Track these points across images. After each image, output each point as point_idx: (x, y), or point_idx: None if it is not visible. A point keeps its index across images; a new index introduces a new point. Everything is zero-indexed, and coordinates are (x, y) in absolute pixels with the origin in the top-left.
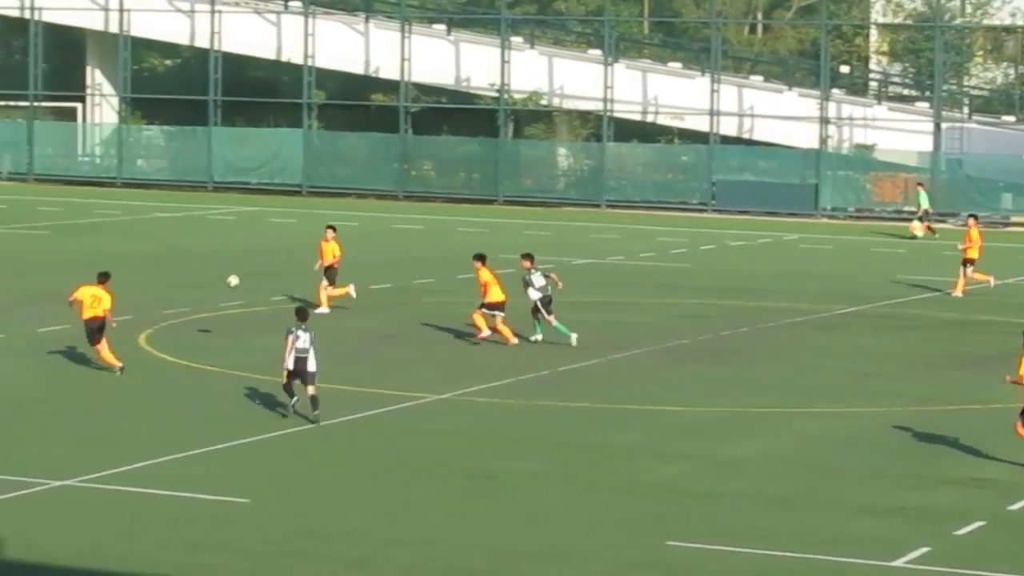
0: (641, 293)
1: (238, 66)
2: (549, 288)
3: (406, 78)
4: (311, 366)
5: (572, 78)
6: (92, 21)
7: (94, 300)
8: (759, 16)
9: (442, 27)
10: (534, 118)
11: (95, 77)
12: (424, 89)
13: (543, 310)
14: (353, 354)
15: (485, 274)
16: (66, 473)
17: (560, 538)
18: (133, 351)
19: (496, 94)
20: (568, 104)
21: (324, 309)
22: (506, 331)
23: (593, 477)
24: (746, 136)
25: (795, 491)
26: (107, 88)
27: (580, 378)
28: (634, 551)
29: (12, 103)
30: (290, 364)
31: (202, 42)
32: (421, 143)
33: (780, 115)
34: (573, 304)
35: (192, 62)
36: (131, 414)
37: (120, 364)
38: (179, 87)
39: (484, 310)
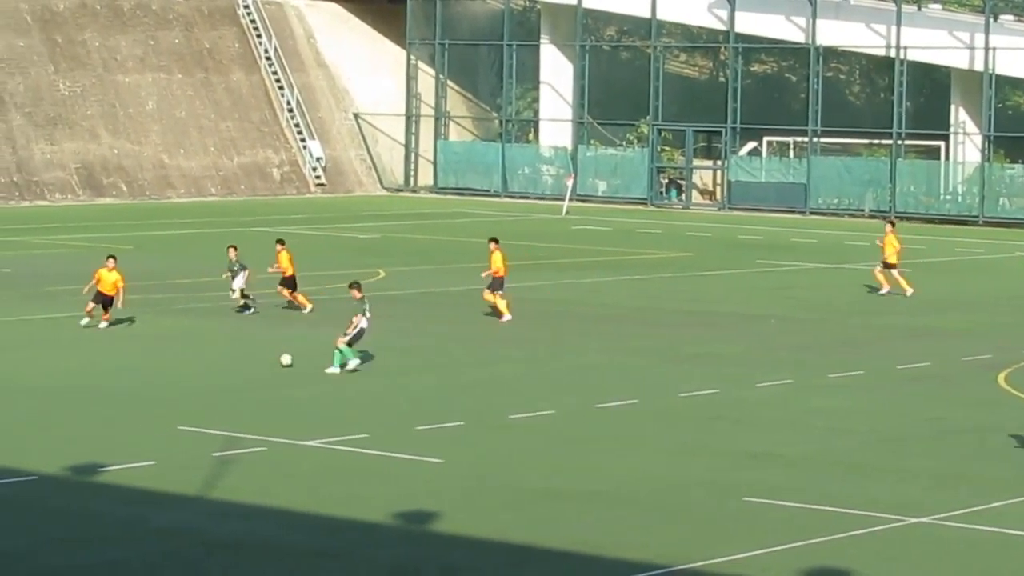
0: None
1: None
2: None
3: None
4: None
5: None
6: (957, 60)
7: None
8: None
9: None
10: None
11: (959, 115)
12: None
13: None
14: None
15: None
16: (921, 510)
17: None
18: (992, 390)
19: None
20: None
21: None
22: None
23: None
24: None
25: None
26: (970, 126)
27: None
28: None
29: (876, 141)
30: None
31: None
32: None
33: None
34: None
35: None
36: (985, 452)
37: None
38: None
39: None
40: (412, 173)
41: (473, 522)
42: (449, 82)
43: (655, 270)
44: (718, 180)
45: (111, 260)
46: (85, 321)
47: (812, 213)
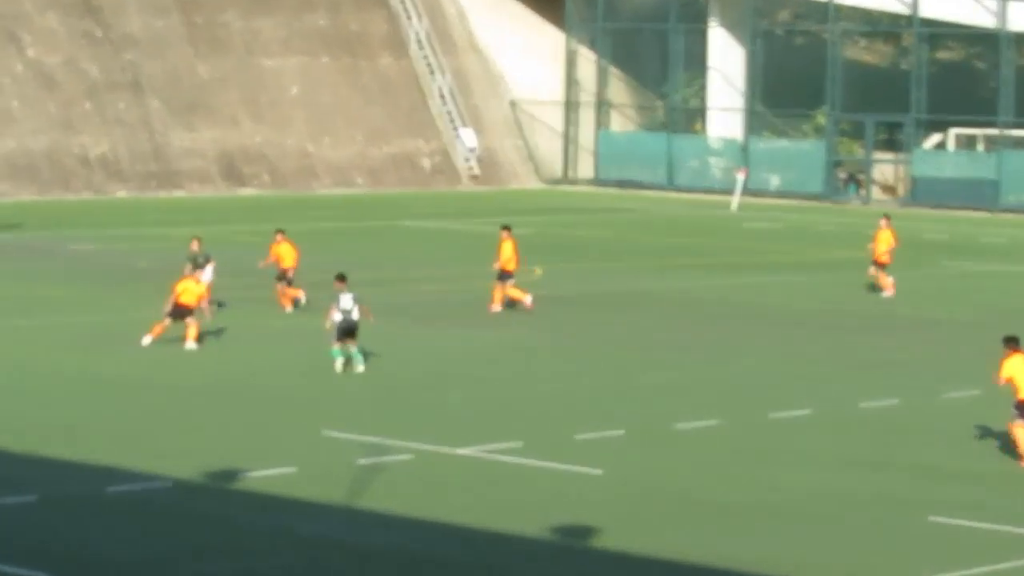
0: None
1: None
2: (354, 314)
3: None
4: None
5: None
6: None
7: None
8: None
9: None
10: None
11: None
12: None
13: (339, 333)
14: None
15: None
16: None
17: None
18: None
19: None
20: None
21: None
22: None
23: None
24: None
25: None
26: None
27: None
28: None
29: None
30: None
31: None
32: None
33: None
34: None
35: None
36: None
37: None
38: None
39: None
40: (571, 165)
41: (634, 538)
42: (611, 68)
43: (831, 271)
44: (900, 175)
45: (199, 271)
46: (148, 341)
47: (1003, 211)
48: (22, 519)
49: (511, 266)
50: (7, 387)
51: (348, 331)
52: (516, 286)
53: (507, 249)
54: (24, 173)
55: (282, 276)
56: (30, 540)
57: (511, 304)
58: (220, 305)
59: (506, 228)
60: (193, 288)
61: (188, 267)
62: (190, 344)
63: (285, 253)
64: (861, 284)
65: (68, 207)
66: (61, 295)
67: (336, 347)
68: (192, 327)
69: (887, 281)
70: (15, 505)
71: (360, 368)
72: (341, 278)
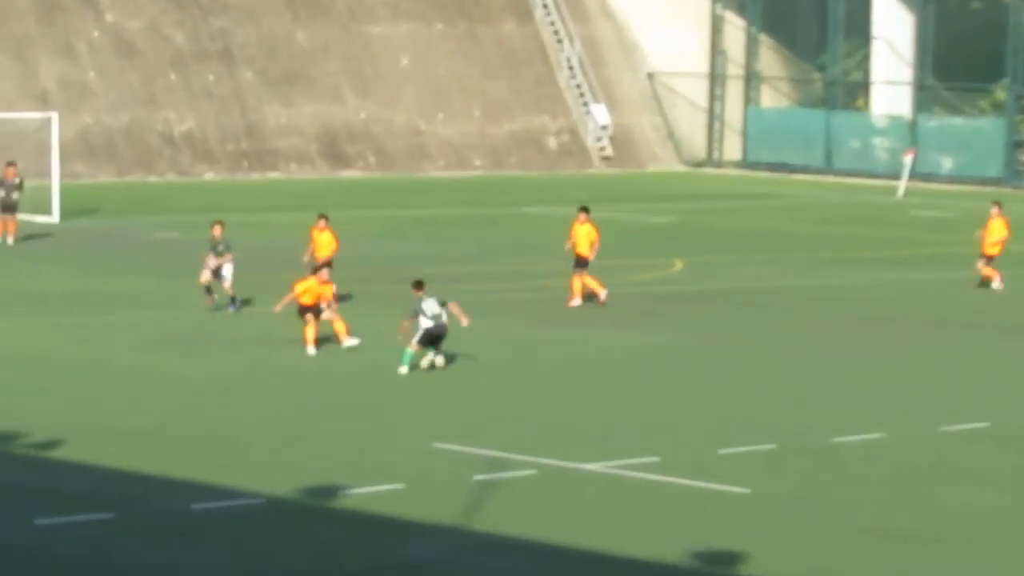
0: None
1: None
2: (444, 317)
3: None
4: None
5: None
6: None
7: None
8: None
9: None
10: None
11: None
12: None
13: (426, 339)
14: None
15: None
16: None
17: None
18: None
19: None
20: None
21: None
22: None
23: None
24: None
25: None
26: None
27: None
28: None
29: None
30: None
31: None
32: None
33: None
34: None
35: None
36: None
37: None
38: None
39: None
40: (716, 145)
41: (785, 564)
42: (762, 36)
43: (1011, 266)
44: None
45: (325, 271)
46: (313, 351)
47: None
48: (98, 539)
49: (587, 252)
50: (83, 392)
51: (439, 337)
52: (593, 276)
53: (581, 234)
54: (102, 152)
55: (318, 269)
56: (107, 562)
57: (590, 296)
58: (232, 303)
59: (584, 210)
60: (315, 288)
61: (209, 256)
62: (349, 341)
63: (323, 242)
64: None
65: (150, 190)
66: (142, 288)
67: (414, 350)
68: (338, 323)
69: (993, 272)
70: (91, 523)
71: (440, 361)
72: (419, 285)
